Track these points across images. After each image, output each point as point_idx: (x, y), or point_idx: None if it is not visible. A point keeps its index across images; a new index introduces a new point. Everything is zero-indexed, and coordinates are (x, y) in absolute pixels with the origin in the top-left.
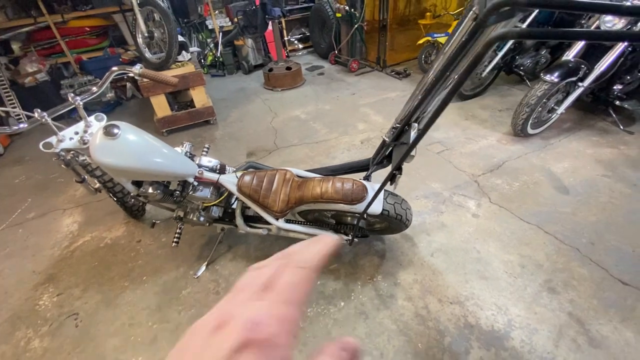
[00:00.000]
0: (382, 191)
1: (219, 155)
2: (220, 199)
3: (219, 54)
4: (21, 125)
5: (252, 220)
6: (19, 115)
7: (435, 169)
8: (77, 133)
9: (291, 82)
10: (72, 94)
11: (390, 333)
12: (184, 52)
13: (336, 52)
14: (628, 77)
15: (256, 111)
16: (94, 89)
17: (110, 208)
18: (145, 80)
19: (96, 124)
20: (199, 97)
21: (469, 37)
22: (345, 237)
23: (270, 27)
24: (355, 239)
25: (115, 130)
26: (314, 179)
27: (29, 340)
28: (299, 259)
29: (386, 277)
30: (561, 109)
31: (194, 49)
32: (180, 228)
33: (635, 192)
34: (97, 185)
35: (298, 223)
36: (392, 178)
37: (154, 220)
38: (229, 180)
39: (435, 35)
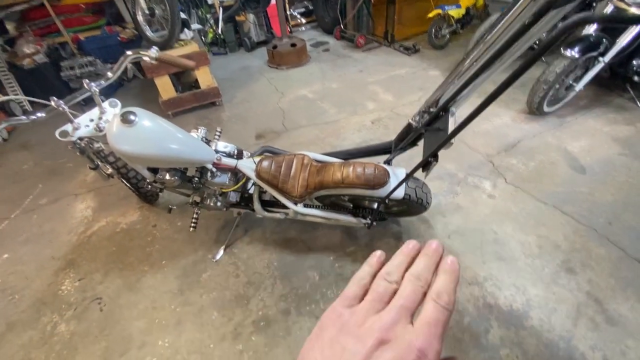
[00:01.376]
0: (404, 175)
1: (228, 138)
2: (239, 184)
3: (220, 31)
4: (39, 115)
5: (269, 204)
6: (22, 102)
7: (449, 149)
8: (92, 120)
9: (296, 59)
10: (87, 81)
11: None
12: (185, 29)
13: (342, 26)
14: None
15: (262, 91)
16: (109, 74)
17: (122, 193)
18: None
19: (110, 110)
20: (204, 77)
21: (535, 19)
22: (364, 221)
23: (273, 1)
24: (374, 223)
25: (132, 117)
26: (334, 163)
27: (55, 325)
28: (439, 292)
29: None
30: (580, 86)
31: (196, 26)
32: (197, 213)
33: None
34: (110, 171)
35: (316, 207)
36: (425, 165)
37: (170, 206)
38: (247, 166)
39: (447, 7)
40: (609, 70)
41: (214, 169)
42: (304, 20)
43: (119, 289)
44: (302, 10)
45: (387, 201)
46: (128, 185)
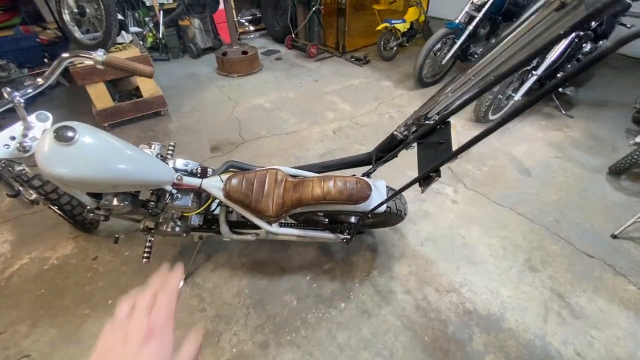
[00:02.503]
0: (385, 188)
1: (178, 151)
2: (204, 206)
3: (161, 36)
4: None
5: (236, 225)
6: None
7: (409, 156)
8: (13, 138)
9: (248, 67)
10: (9, 89)
11: (396, 329)
12: (123, 32)
13: (293, 36)
14: (569, 66)
15: (213, 100)
16: (39, 80)
17: (51, 221)
18: (78, 66)
19: (39, 125)
20: (147, 85)
21: (567, 31)
22: (342, 236)
23: (221, 6)
24: (352, 238)
25: (70, 134)
26: (312, 178)
27: None
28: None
29: (382, 271)
30: (518, 96)
31: (135, 29)
32: (150, 241)
33: (584, 171)
34: (34, 197)
35: (290, 225)
36: (425, 180)
37: (116, 235)
38: (214, 185)
39: (393, 21)
40: (537, 81)
41: (174, 191)
42: (252, 28)
43: (53, 341)
44: (250, 17)
45: (368, 216)
46: (59, 212)
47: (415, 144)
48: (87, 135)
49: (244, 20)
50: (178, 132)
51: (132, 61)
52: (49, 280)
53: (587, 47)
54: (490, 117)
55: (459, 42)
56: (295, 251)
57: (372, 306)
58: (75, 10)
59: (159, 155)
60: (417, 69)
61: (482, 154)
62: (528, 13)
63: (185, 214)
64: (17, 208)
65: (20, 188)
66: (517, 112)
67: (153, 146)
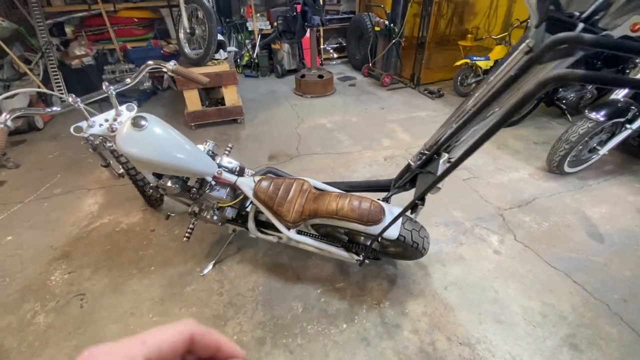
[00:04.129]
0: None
1: (241, 155)
2: (236, 201)
3: (255, 56)
4: (54, 108)
5: (264, 225)
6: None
7: (460, 196)
8: (107, 120)
9: (321, 90)
10: (107, 83)
11: None
12: (221, 50)
13: (370, 64)
14: None
15: (283, 115)
16: (128, 80)
17: (130, 194)
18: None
19: (126, 113)
20: (230, 95)
21: (520, 72)
22: (356, 257)
23: (307, 34)
24: (366, 261)
25: (143, 122)
26: (331, 193)
27: (35, 314)
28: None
29: (394, 304)
30: (604, 150)
31: (232, 48)
32: (193, 224)
33: None
34: (121, 171)
35: (310, 235)
36: (413, 207)
37: (168, 213)
38: (246, 184)
39: (475, 58)
40: (638, 137)
41: (213, 183)
42: (335, 55)
43: (104, 288)
44: (336, 45)
45: (379, 239)
46: (135, 187)
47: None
48: (155, 126)
49: (329, 48)
50: (247, 139)
51: (218, 74)
52: (115, 240)
53: None
54: (567, 169)
55: None
56: (314, 263)
57: (373, 335)
58: (188, 30)
59: (209, 152)
60: None
61: (547, 207)
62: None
63: (220, 205)
64: (111, 179)
65: (111, 161)
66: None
67: (207, 143)
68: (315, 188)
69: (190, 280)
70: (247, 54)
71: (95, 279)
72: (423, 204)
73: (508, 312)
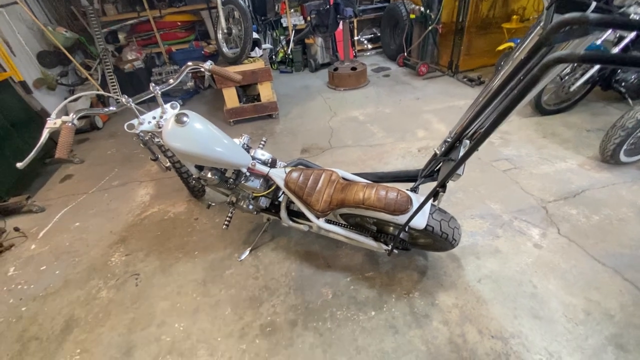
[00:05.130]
0: (429, 206)
1: (276, 148)
2: (268, 191)
3: (289, 51)
4: (111, 108)
5: (296, 215)
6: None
7: (498, 188)
8: (154, 118)
9: (355, 82)
10: (153, 84)
11: (419, 354)
12: (257, 48)
13: (405, 54)
14: None
15: (316, 109)
16: (171, 80)
17: (176, 186)
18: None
19: (171, 111)
20: (266, 92)
21: (530, 55)
22: (385, 247)
23: (340, 27)
24: (395, 251)
25: (185, 119)
26: (358, 183)
27: (99, 290)
28: None
29: (424, 295)
30: None
31: (267, 46)
32: (231, 212)
33: None
34: (168, 164)
35: (339, 225)
36: (434, 195)
37: (209, 203)
38: (278, 175)
39: (519, 41)
40: None
41: (248, 174)
42: (370, 46)
43: (155, 269)
44: (370, 36)
45: (407, 229)
46: (181, 179)
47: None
48: (196, 122)
49: (363, 39)
50: (281, 133)
51: (253, 72)
52: (164, 227)
53: None
54: (624, 158)
55: (597, 66)
56: (344, 252)
57: (401, 324)
58: (225, 30)
59: (244, 145)
60: (535, 95)
61: (599, 200)
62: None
63: (255, 195)
64: (160, 172)
65: (160, 156)
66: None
67: (243, 137)
68: (344, 179)
69: (229, 265)
70: (282, 50)
71: (148, 261)
72: (444, 191)
73: (547, 308)
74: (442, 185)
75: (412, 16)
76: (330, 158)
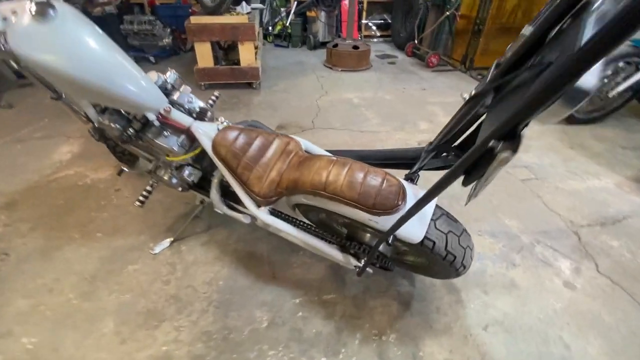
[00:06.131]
0: (433, 206)
1: None
2: (186, 155)
3: (288, 23)
4: None
5: (233, 198)
6: None
7: (516, 200)
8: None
9: (355, 63)
10: None
11: None
12: (244, 3)
13: (416, 41)
14: None
15: (306, 86)
16: None
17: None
18: (192, 22)
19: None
20: (247, 54)
21: None
22: (354, 262)
23: (347, 3)
24: (369, 269)
25: (50, 11)
26: (323, 157)
27: None
28: None
29: (403, 339)
30: None
31: (258, 5)
32: (151, 185)
33: None
34: (54, 95)
35: (290, 222)
36: (468, 174)
37: (122, 168)
38: (205, 131)
39: None
40: None
41: (158, 124)
42: (378, 33)
43: (34, 250)
44: (379, 21)
45: (390, 241)
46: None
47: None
48: (69, 19)
49: (371, 24)
50: (259, 105)
51: (234, 26)
52: (72, 195)
53: None
54: None
55: None
56: (300, 260)
57: None
58: None
59: (165, 83)
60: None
61: None
62: None
63: (171, 159)
64: None
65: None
66: None
67: (168, 73)
68: (307, 151)
69: (137, 258)
70: (281, 23)
71: (30, 237)
72: (481, 177)
73: None
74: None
75: None
76: (310, 138)
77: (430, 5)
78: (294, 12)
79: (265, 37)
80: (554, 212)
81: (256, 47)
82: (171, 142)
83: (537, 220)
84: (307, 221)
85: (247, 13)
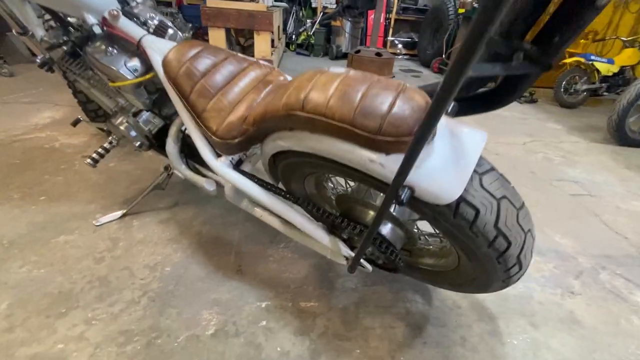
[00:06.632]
0: (478, 149)
1: None
2: (135, 80)
3: (312, 32)
4: None
5: (198, 158)
6: None
7: (566, 216)
8: None
9: (377, 71)
10: None
11: None
12: None
13: (444, 56)
14: None
15: None
16: None
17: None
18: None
19: None
20: (262, 45)
21: None
22: (345, 251)
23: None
24: (367, 265)
25: None
26: (310, 70)
27: None
28: None
29: None
30: None
31: (281, 4)
32: (110, 142)
33: None
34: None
35: (256, 181)
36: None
37: (79, 117)
38: (158, 47)
39: (593, 57)
40: None
41: (99, 31)
42: (403, 51)
43: None
44: (406, 39)
45: (404, 194)
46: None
47: None
48: None
49: (397, 42)
50: None
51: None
52: (32, 157)
53: None
54: None
55: None
56: (279, 255)
57: None
58: None
59: None
60: (617, 115)
61: None
62: None
63: (112, 84)
64: None
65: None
66: None
67: None
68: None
69: (75, 228)
70: (305, 33)
71: None
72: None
73: None
74: None
75: (461, 11)
76: None
77: (462, 19)
78: (318, 22)
79: (287, 45)
80: (618, 234)
81: (274, 47)
82: (116, 61)
83: (598, 242)
84: (283, 189)
85: (271, 6)
